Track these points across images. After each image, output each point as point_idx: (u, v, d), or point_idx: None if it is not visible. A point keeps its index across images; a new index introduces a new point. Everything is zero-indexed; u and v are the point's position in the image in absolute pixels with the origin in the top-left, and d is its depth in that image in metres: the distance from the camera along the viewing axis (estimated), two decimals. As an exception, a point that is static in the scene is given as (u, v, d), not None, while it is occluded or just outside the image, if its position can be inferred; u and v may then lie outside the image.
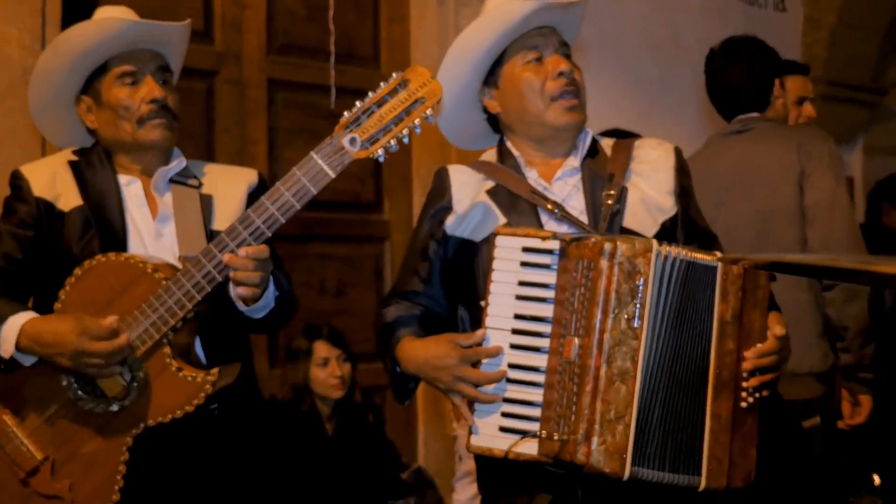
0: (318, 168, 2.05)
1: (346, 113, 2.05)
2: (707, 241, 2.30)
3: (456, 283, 2.27)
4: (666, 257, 2.01)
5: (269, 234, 2.08)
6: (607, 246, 1.99)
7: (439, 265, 2.28)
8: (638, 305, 1.99)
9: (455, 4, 4.16)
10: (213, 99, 3.95)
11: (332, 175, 2.06)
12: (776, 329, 2.06)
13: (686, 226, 2.27)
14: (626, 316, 1.99)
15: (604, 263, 1.99)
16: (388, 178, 4.35)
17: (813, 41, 5.54)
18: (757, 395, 2.05)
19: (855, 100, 5.72)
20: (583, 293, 2.01)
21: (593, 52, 4.43)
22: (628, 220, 2.19)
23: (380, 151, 2.04)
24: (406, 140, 2.06)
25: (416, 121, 2.03)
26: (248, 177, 2.48)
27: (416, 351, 2.15)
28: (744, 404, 2.04)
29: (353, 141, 2.04)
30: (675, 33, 4.93)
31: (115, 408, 2.15)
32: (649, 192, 2.25)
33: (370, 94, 2.04)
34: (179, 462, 2.23)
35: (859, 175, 5.86)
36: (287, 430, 3.67)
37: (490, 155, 2.37)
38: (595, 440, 1.95)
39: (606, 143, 2.36)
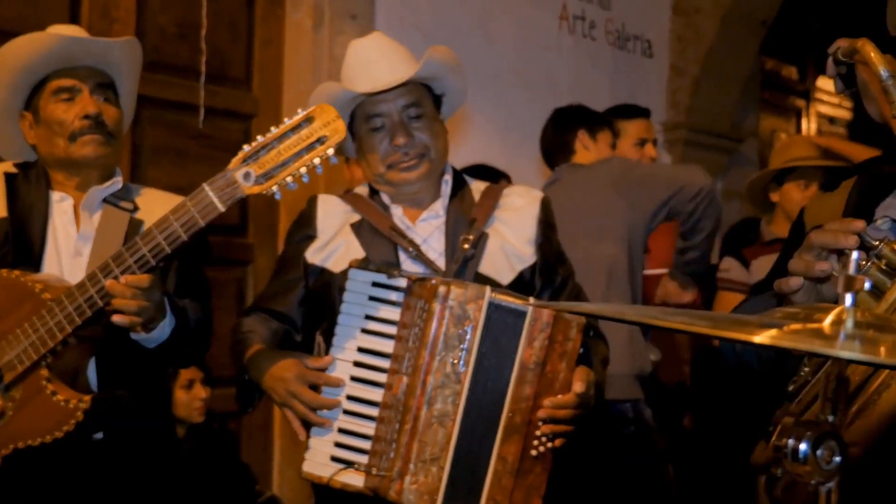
0: (207, 200, 2.02)
1: (245, 146, 2.02)
2: (561, 290, 2.35)
3: (314, 310, 2.30)
4: (497, 304, 2.05)
5: (154, 263, 2.05)
6: (441, 289, 2.04)
7: (300, 291, 2.31)
8: (464, 351, 2.04)
9: (330, 32, 4.16)
10: (75, 113, 3.84)
11: (222, 208, 2.02)
12: (576, 385, 2.09)
13: (544, 275, 2.32)
14: (451, 360, 2.03)
15: (436, 306, 2.04)
16: (254, 201, 4.30)
17: (677, 88, 5.75)
18: (549, 444, 2.08)
19: (715, 146, 5.94)
20: (416, 333, 2.05)
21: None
22: (484, 266, 2.23)
23: (275, 188, 2.01)
24: (306, 179, 2.02)
25: (317, 160, 1.99)
26: None
27: (263, 361, 2.18)
28: (534, 452, 2.07)
29: (247, 175, 2.00)
30: (548, 73, 5.05)
31: None
32: (511, 239, 2.29)
33: (273, 129, 2.01)
34: (54, 489, 2.18)
35: (717, 218, 6.08)
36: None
37: (364, 189, 2.42)
38: (408, 479, 2.00)
39: (477, 188, 2.42)
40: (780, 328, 0.79)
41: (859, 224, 1.44)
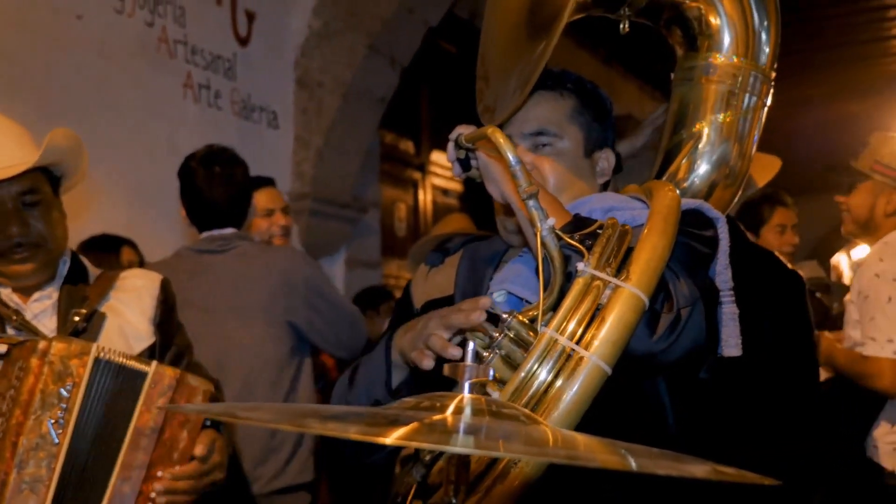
0: None
1: None
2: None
3: None
4: (107, 362, 1.97)
5: None
6: (41, 344, 1.92)
7: None
8: (64, 409, 1.90)
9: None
10: None
11: None
12: (197, 448, 2.06)
13: (164, 355, 2.26)
14: (50, 419, 1.89)
15: (34, 362, 1.90)
16: None
17: (302, 159, 5.87)
18: None
19: (339, 216, 6.12)
20: (13, 395, 1.90)
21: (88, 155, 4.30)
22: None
23: None
24: None
25: None
26: None
27: None
28: None
29: None
30: (171, 141, 4.96)
31: None
32: (131, 319, 2.22)
33: None
34: None
35: (341, 286, 6.26)
36: None
37: None
38: None
39: (95, 272, 2.33)
40: (406, 425, 0.84)
41: (486, 301, 1.57)
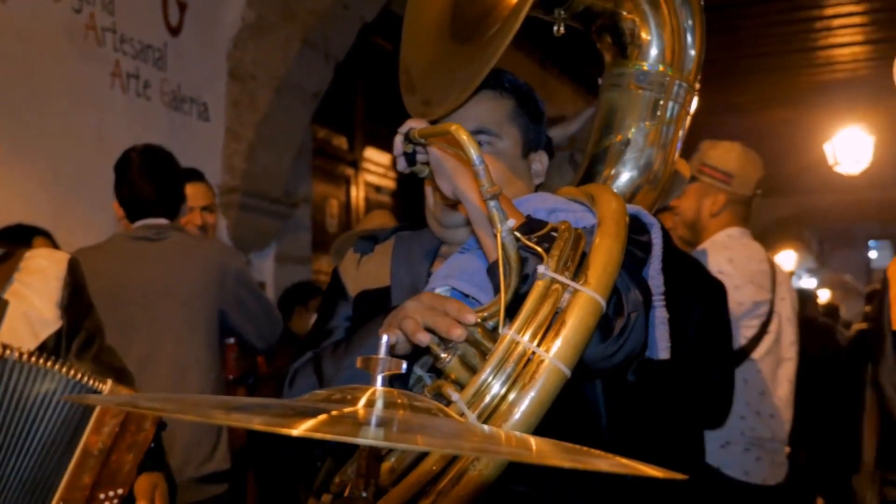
0: None
1: None
2: (84, 352, 2.23)
3: None
4: (15, 364, 1.90)
5: None
6: None
7: None
8: None
9: None
10: None
11: None
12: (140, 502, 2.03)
13: (72, 339, 2.19)
14: None
15: None
16: None
17: (233, 152, 5.79)
18: None
19: (269, 211, 6.06)
20: None
21: (9, 142, 4.20)
22: (3, 335, 2.04)
23: None
24: None
25: None
26: None
27: None
28: None
29: None
30: (98, 129, 4.87)
31: None
32: (36, 303, 2.13)
33: None
34: None
35: (271, 281, 6.21)
36: None
37: None
38: None
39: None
40: (314, 416, 0.83)
41: (472, 318, 1.52)
